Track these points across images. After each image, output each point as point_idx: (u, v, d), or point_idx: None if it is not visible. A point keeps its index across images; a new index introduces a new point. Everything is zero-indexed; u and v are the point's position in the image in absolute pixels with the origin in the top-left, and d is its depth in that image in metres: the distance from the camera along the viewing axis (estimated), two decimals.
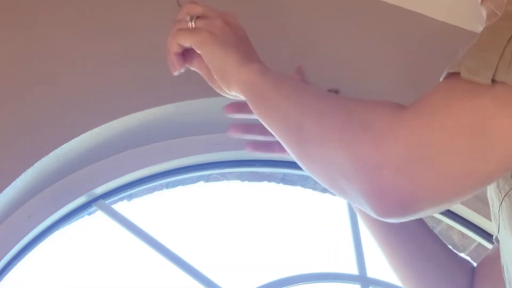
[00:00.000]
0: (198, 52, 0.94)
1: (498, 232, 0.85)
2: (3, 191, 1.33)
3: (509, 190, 0.80)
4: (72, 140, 1.40)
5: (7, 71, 1.40)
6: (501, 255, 0.89)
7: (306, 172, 0.78)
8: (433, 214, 0.70)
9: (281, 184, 1.93)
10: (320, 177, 0.76)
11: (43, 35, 1.45)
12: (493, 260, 0.97)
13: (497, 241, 0.87)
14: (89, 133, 1.42)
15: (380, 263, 1.81)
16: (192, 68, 0.99)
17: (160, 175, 1.63)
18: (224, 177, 1.84)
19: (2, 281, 1.44)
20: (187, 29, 0.96)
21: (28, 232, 1.45)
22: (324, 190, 1.95)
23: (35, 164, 1.36)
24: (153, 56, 1.48)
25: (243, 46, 0.92)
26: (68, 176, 1.49)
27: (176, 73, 1.02)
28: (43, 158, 1.37)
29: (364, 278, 1.67)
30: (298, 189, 1.94)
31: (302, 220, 2.03)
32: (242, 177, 1.89)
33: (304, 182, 1.93)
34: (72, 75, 1.44)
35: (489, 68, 0.67)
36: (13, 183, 1.34)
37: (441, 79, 0.71)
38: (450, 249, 1.11)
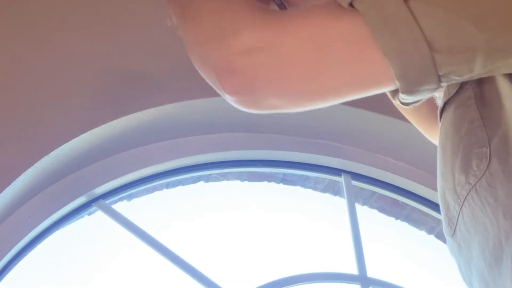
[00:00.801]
0: None
1: (453, 235, 0.89)
2: (3, 191, 1.33)
3: (467, 195, 0.84)
4: (72, 140, 1.40)
5: (7, 71, 1.40)
6: (457, 261, 0.93)
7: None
8: (282, 110, 0.86)
9: (281, 184, 1.93)
10: (195, 57, 0.90)
11: (43, 35, 1.45)
12: None
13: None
14: (89, 133, 1.42)
15: (380, 263, 1.81)
16: None
17: (160, 175, 1.63)
18: (224, 177, 1.84)
19: (2, 281, 1.44)
20: None
21: (28, 232, 1.45)
22: (324, 190, 1.95)
23: (35, 164, 1.36)
24: (153, 56, 1.48)
25: None
26: (68, 176, 1.49)
27: None
28: (43, 158, 1.37)
29: (364, 278, 1.67)
30: (298, 189, 1.94)
31: (302, 220, 2.03)
32: (242, 177, 1.89)
33: (304, 182, 1.93)
34: (72, 75, 1.44)
35: None
36: (13, 183, 1.34)
37: None
38: None
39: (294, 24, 0.81)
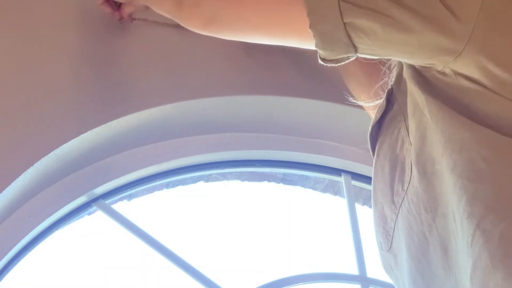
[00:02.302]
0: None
1: (389, 249, 0.96)
2: (3, 191, 1.33)
3: (402, 202, 0.95)
4: (72, 140, 1.40)
5: (7, 71, 1.40)
6: (394, 275, 0.99)
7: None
8: (223, 31, 1.05)
9: (281, 184, 1.93)
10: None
11: (43, 34, 1.44)
12: None
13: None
14: (89, 133, 1.42)
15: (380, 263, 1.81)
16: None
17: (160, 175, 1.63)
18: (224, 177, 1.84)
19: (2, 281, 1.44)
20: None
21: (28, 232, 1.45)
22: (324, 190, 1.95)
23: (35, 164, 1.36)
24: (153, 56, 1.48)
25: None
26: (68, 176, 1.49)
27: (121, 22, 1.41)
28: (43, 158, 1.37)
29: (364, 278, 1.67)
30: (298, 189, 1.94)
31: (302, 220, 2.03)
32: (242, 177, 1.89)
33: (304, 182, 1.93)
34: (72, 75, 1.44)
35: None
36: (13, 183, 1.34)
37: None
38: None
39: None
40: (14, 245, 1.44)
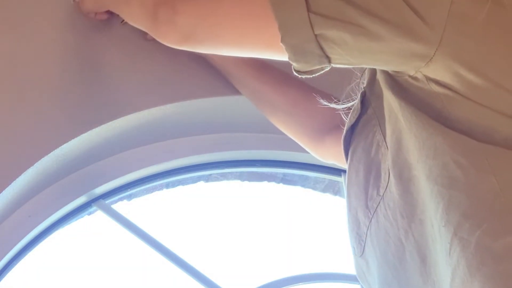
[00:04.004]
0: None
1: (362, 254, 0.96)
2: (3, 191, 1.33)
3: (377, 207, 0.94)
4: (72, 140, 1.40)
5: (7, 71, 1.40)
6: (366, 282, 0.99)
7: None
8: (199, 46, 1.08)
9: (281, 184, 1.93)
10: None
11: (42, 34, 1.44)
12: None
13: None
14: (89, 133, 1.42)
15: None
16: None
17: (160, 175, 1.63)
18: (224, 177, 1.84)
19: (2, 281, 1.44)
20: None
21: (28, 232, 1.45)
22: (324, 190, 1.95)
23: (35, 164, 1.36)
24: (153, 55, 1.48)
25: None
26: (68, 176, 1.49)
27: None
28: (43, 158, 1.37)
29: None
30: (298, 189, 1.94)
31: (302, 220, 2.03)
32: (242, 177, 1.89)
33: (304, 182, 1.93)
34: (72, 74, 1.44)
35: None
36: (13, 183, 1.34)
37: None
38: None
39: None
40: (14, 245, 1.44)
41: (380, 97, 0.96)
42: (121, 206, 1.62)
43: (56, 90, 1.41)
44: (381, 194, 0.94)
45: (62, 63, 1.44)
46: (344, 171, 1.79)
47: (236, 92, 1.49)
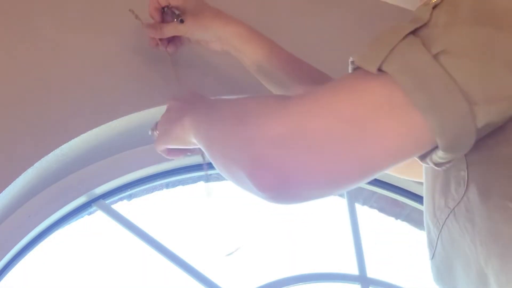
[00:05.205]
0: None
1: (432, 258, 0.89)
2: (3, 191, 1.33)
3: (446, 219, 0.83)
4: (72, 140, 1.40)
5: (7, 71, 1.40)
6: (436, 279, 0.93)
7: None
8: (318, 198, 0.79)
9: None
10: (225, 173, 0.86)
11: (42, 34, 1.44)
12: None
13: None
14: (89, 133, 1.42)
15: (380, 263, 1.81)
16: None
17: (160, 175, 1.63)
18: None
19: (2, 281, 1.44)
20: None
21: (28, 232, 1.45)
22: None
23: (35, 164, 1.36)
24: (153, 55, 1.48)
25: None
26: (68, 176, 1.49)
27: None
28: (43, 158, 1.37)
29: (364, 278, 1.67)
30: None
31: (302, 220, 2.03)
32: None
33: None
34: (72, 74, 1.44)
35: (378, 58, 0.73)
36: (13, 183, 1.34)
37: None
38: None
39: (320, 103, 0.75)
40: (14, 245, 1.44)
41: None
42: (121, 206, 1.62)
43: (56, 90, 1.41)
44: (451, 207, 0.83)
45: (62, 63, 1.44)
46: None
47: (237, 92, 1.49)
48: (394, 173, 1.31)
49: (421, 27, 0.74)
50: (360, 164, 0.75)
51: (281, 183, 0.75)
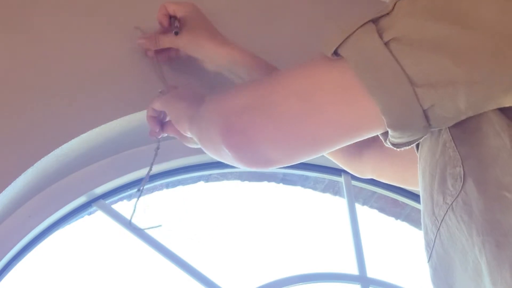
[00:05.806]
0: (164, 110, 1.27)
1: (428, 260, 0.91)
2: (3, 191, 1.33)
3: (444, 215, 0.86)
4: (72, 140, 1.40)
5: (7, 71, 1.40)
6: (433, 283, 0.93)
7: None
8: (281, 164, 0.94)
9: (281, 184, 1.93)
10: (211, 151, 1.00)
11: (42, 34, 1.44)
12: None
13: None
14: (89, 133, 1.42)
15: (380, 263, 1.81)
16: (167, 134, 1.33)
17: (160, 175, 1.63)
18: (224, 177, 1.84)
19: (2, 281, 1.44)
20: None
21: (28, 232, 1.45)
22: (324, 190, 1.95)
23: (35, 164, 1.36)
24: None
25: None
26: (68, 176, 1.49)
27: (153, 138, 1.34)
28: (43, 158, 1.37)
29: (364, 278, 1.67)
30: (298, 189, 1.94)
31: (302, 220, 2.03)
32: (242, 177, 1.89)
33: (304, 182, 1.93)
34: (72, 75, 1.43)
35: (335, 43, 0.82)
36: (13, 183, 1.34)
37: None
38: None
39: (281, 81, 0.89)
40: (14, 245, 1.44)
41: None
42: (121, 206, 1.62)
43: (56, 90, 1.41)
44: (449, 203, 0.85)
45: (62, 63, 1.44)
46: (344, 171, 1.80)
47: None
48: (400, 185, 1.36)
49: (383, 16, 0.82)
50: (312, 133, 0.87)
51: (245, 144, 0.89)
